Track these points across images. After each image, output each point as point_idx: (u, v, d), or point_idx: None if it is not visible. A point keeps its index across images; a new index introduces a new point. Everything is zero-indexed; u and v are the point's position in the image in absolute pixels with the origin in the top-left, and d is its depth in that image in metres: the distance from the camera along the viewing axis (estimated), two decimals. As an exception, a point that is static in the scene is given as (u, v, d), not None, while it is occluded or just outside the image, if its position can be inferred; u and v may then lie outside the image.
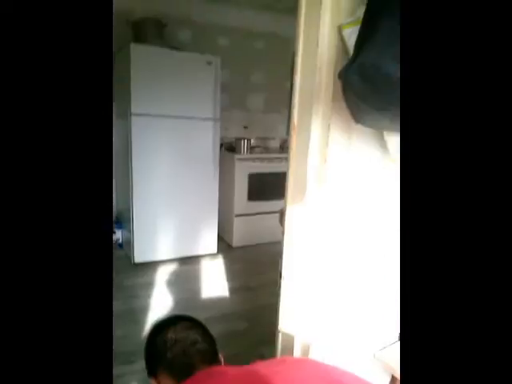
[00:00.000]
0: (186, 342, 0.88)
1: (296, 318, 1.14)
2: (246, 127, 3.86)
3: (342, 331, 1.19)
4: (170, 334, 0.90)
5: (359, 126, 0.89)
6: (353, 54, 0.67)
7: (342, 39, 0.83)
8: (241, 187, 3.34)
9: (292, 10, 1.11)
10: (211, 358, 0.89)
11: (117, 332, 2.01)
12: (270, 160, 3.43)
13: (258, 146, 3.78)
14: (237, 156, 3.29)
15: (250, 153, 3.44)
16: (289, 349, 1.18)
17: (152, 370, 0.91)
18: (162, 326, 0.96)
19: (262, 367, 0.78)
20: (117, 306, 2.29)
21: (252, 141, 3.57)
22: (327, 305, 1.13)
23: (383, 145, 1.00)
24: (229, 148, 3.48)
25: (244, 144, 3.36)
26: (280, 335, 1.22)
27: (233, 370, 0.73)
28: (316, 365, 0.83)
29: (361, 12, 0.71)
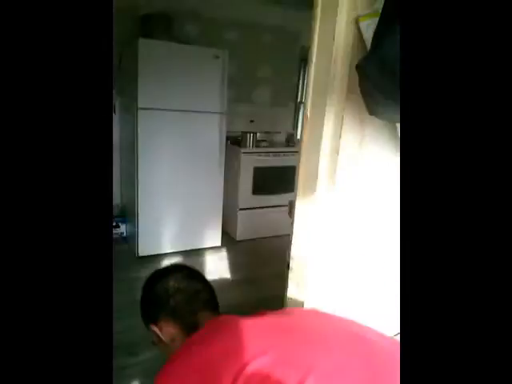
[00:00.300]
0: (190, 290, 0.89)
1: (303, 299, 1.15)
2: (252, 121, 3.85)
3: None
4: (172, 282, 0.90)
5: (372, 118, 0.89)
6: (371, 46, 0.68)
7: (358, 31, 0.84)
8: (246, 181, 3.35)
9: (300, 3, 1.12)
10: (214, 307, 0.91)
11: (120, 324, 2.01)
12: (276, 154, 3.43)
13: (263, 140, 3.78)
14: (242, 150, 3.29)
15: (256, 146, 3.44)
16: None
17: (152, 317, 0.91)
18: (161, 274, 0.95)
19: (276, 317, 0.79)
20: (121, 298, 2.29)
21: (258, 135, 3.57)
22: (335, 294, 1.14)
23: (396, 138, 1.01)
24: (234, 142, 3.48)
25: (250, 138, 3.37)
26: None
27: (243, 321, 0.73)
28: (334, 317, 0.84)
29: (378, 5, 0.71)
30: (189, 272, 0.96)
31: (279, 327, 0.72)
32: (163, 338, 0.87)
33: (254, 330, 0.71)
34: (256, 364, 0.61)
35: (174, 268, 1.00)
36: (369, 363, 0.65)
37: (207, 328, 0.77)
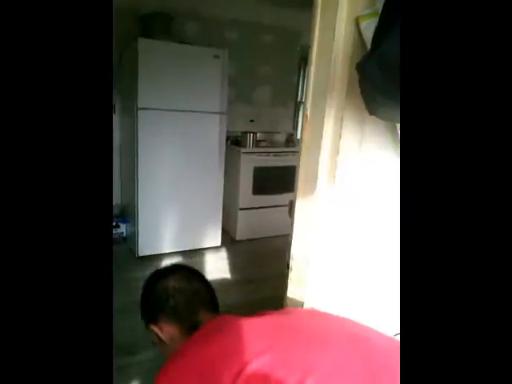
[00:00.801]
0: (190, 290, 0.89)
1: (303, 301, 1.15)
2: (252, 121, 3.86)
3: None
4: (172, 282, 0.90)
5: (373, 118, 0.89)
6: (371, 46, 0.67)
7: (358, 31, 0.83)
8: (246, 181, 3.35)
9: (300, 3, 1.12)
10: (214, 307, 0.91)
11: (120, 324, 2.00)
12: (276, 154, 3.44)
13: (263, 140, 3.79)
14: (242, 150, 3.30)
15: (256, 146, 3.45)
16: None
17: (152, 318, 0.91)
18: (161, 274, 0.95)
19: (276, 317, 0.79)
20: (120, 298, 2.29)
21: (258, 134, 3.57)
22: (336, 294, 1.14)
23: (396, 138, 1.01)
24: (234, 142, 3.49)
25: (250, 138, 3.37)
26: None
27: (243, 321, 0.73)
28: (334, 317, 0.83)
29: (379, 5, 0.71)
30: (189, 272, 0.96)
31: (279, 327, 0.72)
32: (163, 338, 0.88)
33: (254, 329, 0.70)
34: (256, 364, 0.60)
35: (173, 268, 1.00)
36: (368, 362, 0.65)
37: (207, 328, 0.77)
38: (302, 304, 1.15)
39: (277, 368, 0.61)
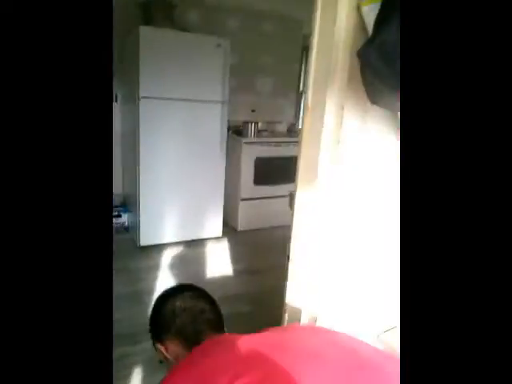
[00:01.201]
0: (195, 310, 0.91)
1: (303, 294, 1.15)
2: (253, 111, 3.82)
3: (348, 310, 1.21)
4: (179, 302, 0.92)
5: (374, 108, 0.88)
6: (372, 32, 0.66)
7: (360, 17, 0.81)
8: (247, 171, 3.34)
9: None
10: (218, 327, 0.93)
11: (121, 314, 2.03)
12: (277, 144, 3.42)
13: (265, 130, 3.76)
14: (244, 139, 3.28)
15: (257, 136, 3.43)
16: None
17: (159, 337, 0.93)
18: (169, 295, 0.98)
19: (272, 334, 0.81)
20: (121, 288, 2.31)
21: (259, 124, 3.55)
22: (335, 286, 1.14)
23: (397, 127, 0.99)
24: (236, 131, 3.46)
25: (251, 127, 3.35)
26: (286, 316, 1.23)
27: (241, 338, 0.75)
28: (327, 332, 0.85)
29: (382, -11, 0.69)
30: (195, 292, 0.98)
31: (273, 344, 0.74)
32: (168, 357, 0.90)
33: (251, 345, 0.72)
34: (245, 379, 0.62)
35: (181, 288, 1.02)
36: (358, 378, 0.66)
37: (205, 345, 0.79)
38: (301, 295, 1.15)
39: (265, 382, 0.63)
